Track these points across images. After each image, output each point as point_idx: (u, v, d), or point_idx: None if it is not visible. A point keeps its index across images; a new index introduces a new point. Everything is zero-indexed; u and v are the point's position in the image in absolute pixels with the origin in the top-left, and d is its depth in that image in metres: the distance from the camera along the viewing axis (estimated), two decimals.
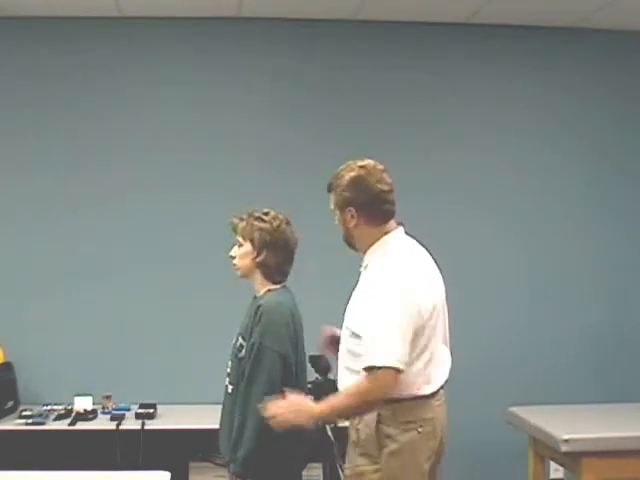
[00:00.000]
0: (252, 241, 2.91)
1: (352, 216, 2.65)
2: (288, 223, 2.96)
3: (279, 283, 2.95)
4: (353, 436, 2.62)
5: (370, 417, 2.54)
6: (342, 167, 2.73)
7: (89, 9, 4.26)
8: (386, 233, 2.66)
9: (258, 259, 2.90)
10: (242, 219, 2.95)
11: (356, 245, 2.72)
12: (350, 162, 2.73)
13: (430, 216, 4.43)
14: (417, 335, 2.51)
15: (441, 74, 4.57)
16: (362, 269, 2.70)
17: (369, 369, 2.46)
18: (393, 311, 2.47)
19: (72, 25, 4.36)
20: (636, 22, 4.49)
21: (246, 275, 2.97)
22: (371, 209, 2.64)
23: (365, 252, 2.69)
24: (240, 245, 2.94)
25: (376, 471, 2.54)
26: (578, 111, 4.63)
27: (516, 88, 4.60)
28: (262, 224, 2.91)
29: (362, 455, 2.58)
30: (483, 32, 4.54)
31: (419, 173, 4.45)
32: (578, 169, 4.63)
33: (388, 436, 2.53)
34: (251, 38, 4.45)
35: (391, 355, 2.44)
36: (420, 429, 2.54)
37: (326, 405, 2.57)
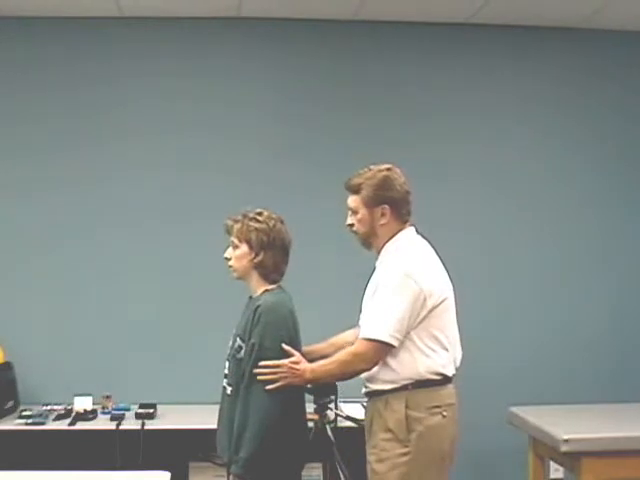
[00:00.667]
0: (248, 242, 2.90)
1: (383, 214, 2.82)
2: (282, 222, 2.96)
3: (275, 283, 2.95)
4: (378, 422, 2.75)
5: (397, 403, 2.70)
6: (365, 170, 2.88)
7: (89, 9, 4.26)
8: (401, 230, 2.85)
9: (256, 260, 2.89)
10: (236, 220, 2.94)
11: (374, 243, 2.88)
12: (372, 166, 2.89)
13: (431, 212, 4.41)
14: (428, 320, 2.71)
15: (441, 74, 4.57)
16: (378, 264, 2.87)
17: (363, 340, 2.71)
18: (394, 291, 2.68)
19: (72, 25, 4.36)
20: (636, 22, 4.49)
21: (242, 276, 2.96)
22: (401, 207, 2.84)
23: (380, 250, 2.86)
24: (236, 247, 2.93)
25: (404, 454, 2.68)
26: (578, 111, 4.63)
27: (516, 88, 4.60)
28: (258, 224, 2.90)
29: (389, 440, 2.70)
30: (483, 32, 4.54)
31: (418, 172, 4.44)
32: (579, 166, 4.62)
33: (415, 420, 2.68)
34: (251, 38, 4.45)
35: (384, 330, 2.67)
36: (445, 413, 2.71)
37: (318, 367, 2.77)
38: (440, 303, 2.75)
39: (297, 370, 2.74)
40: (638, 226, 4.65)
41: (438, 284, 2.78)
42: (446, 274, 2.88)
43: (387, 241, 2.84)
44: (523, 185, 4.59)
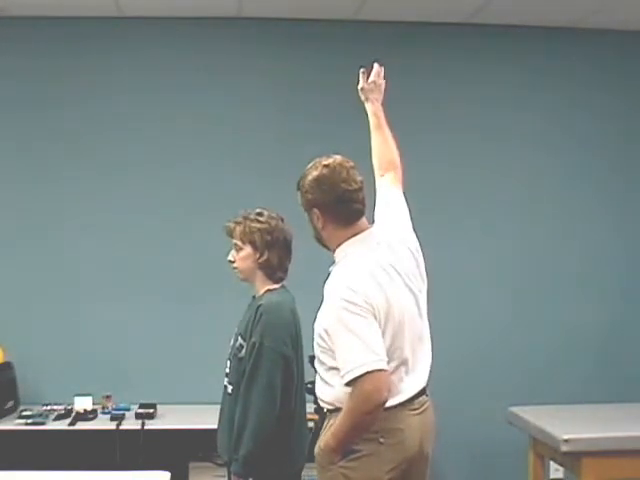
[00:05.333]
0: (252, 243, 2.90)
1: (317, 217, 2.52)
2: (282, 220, 2.97)
3: (280, 280, 2.96)
4: (319, 442, 2.46)
5: (328, 427, 2.42)
6: (309, 166, 2.61)
7: (89, 9, 4.26)
8: (355, 234, 2.51)
9: (261, 260, 2.90)
10: (238, 222, 2.95)
11: (328, 246, 2.59)
12: (317, 159, 2.60)
13: (426, 215, 4.41)
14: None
15: (441, 74, 4.57)
16: (331, 269, 2.56)
17: (352, 383, 2.29)
18: (347, 319, 2.33)
19: (72, 25, 4.36)
20: (636, 22, 4.49)
21: (248, 277, 2.97)
22: (336, 210, 2.50)
23: (335, 252, 2.56)
24: (239, 249, 2.93)
25: (332, 477, 2.42)
26: (578, 110, 4.63)
27: (516, 88, 4.60)
28: (260, 225, 2.91)
29: (317, 467, 2.47)
30: (483, 32, 4.54)
31: (418, 172, 4.45)
32: (579, 167, 4.62)
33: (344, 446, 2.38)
34: (251, 38, 4.46)
35: (366, 360, 2.28)
36: (382, 439, 2.37)
37: (333, 435, 2.39)
38: (391, 321, 2.39)
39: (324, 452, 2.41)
40: (634, 228, 4.65)
41: (387, 301, 2.39)
42: (399, 283, 2.47)
43: (340, 244, 2.52)
44: (523, 184, 4.59)
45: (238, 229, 2.93)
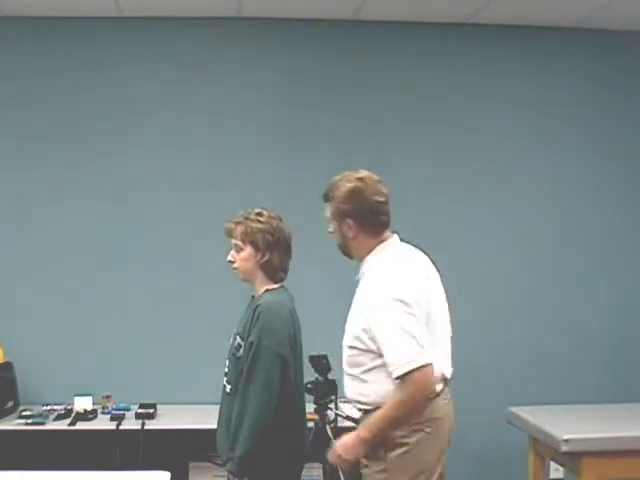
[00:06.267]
0: (253, 243, 2.90)
1: (349, 227, 2.70)
2: (281, 219, 2.97)
3: (281, 281, 2.96)
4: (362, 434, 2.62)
5: None
6: (338, 178, 2.77)
7: (89, 9, 4.26)
8: (381, 242, 2.71)
9: (262, 260, 2.90)
10: (238, 223, 2.94)
11: (353, 255, 2.78)
12: (347, 173, 2.76)
13: (431, 215, 4.44)
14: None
15: (441, 74, 4.57)
16: (359, 277, 2.74)
17: (403, 377, 2.48)
18: (394, 315, 2.52)
19: (72, 25, 4.36)
20: (636, 22, 4.49)
21: (248, 278, 2.96)
22: (368, 220, 2.69)
23: (361, 261, 2.74)
24: (240, 249, 2.93)
25: (382, 471, 2.58)
26: (578, 110, 4.63)
27: (516, 88, 4.60)
28: (260, 225, 2.90)
29: (369, 464, 2.61)
30: (483, 32, 4.54)
31: (418, 171, 4.46)
32: (579, 167, 4.62)
33: (393, 439, 2.55)
34: (251, 38, 4.45)
35: (416, 355, 2.48)
36: (428, 429, 2.56)
37: (370, 427, 2.56)
38: (425, 316, 2.59)
39: (347, 445, 2.60)
40: (635, 228, 4.65)
41: (422, 298, 2.59)
42: (435, 276, 2.74)
43: (367, 253, 2.71)
44: (523, 183, 4.58)
45: (239, 229, 2.93)
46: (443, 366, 2.66)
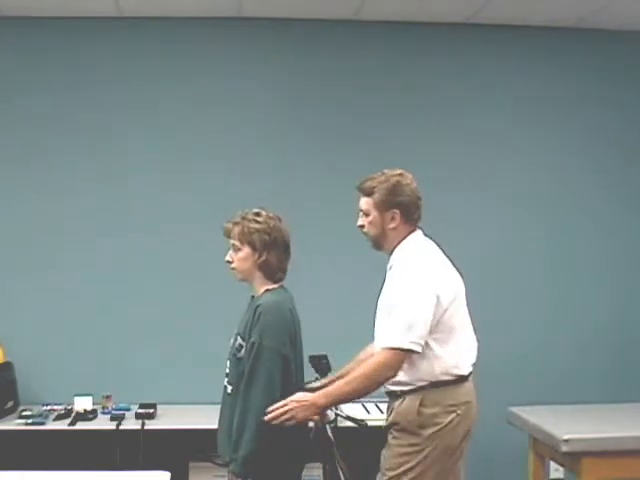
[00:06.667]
0: (251, 244, 2.90)
1: (393, 218, 2.88)
2: (280, 219, 2.96)
3: (280, 281, 2.96)
4: (391, 418, 2.84)
5: (412, 401, 2.78)
6: (378, 174, 2.92)
7: (89, 9, 4.26)
8: (411, 233, 2.92)
9: (260, 260, 2.90)
10: (236, 223, 2.93)
11: (385, 245, 2.93)
12: (386, 170, 2.93)
13: (438, 212, 4.42)
14: (443, 321, 2.79)
15: (441, 74, 4.57)
16: (388, 269, 2.91)
17: (385, 349, 2.73)
18: (410, 297, 2.73)
19: (72, 25, 4.35)
20: (636, 22, 4.49)
21: (246, 278, 2.96)
22: (411, 212, 2.90)
23: (391, 252, 2.92)
24: (238, 249, 2.92)
25: (414, 445, 2.77)
26: (579, 110, 4.63)
27: (516, 88, 4.60)
28: (258, 225, 2.90)
29: (399, 430, 2.80)
30: (483, 32, 4.54)
31: (419, 170, 4.45)
32: (579, 167, 4.62)
33: (429, 418, 2.77)
34: (251, 38, 4.45)
35: (405, 337, 2.71)
36: (459, 411, 2.80)
37: (332, 390, 2.79)
38: (453, 301, 2.83)
39: (305, 402, 2.74)
40: (639, 224, 4.65)
41: (449, 283, 2.86)
42: (455, 271, 2.95)
43: (397, 244, 2.90)
44: (524, 183, 4.58)
45: (236, 230, 2.92)
46: (473, 351, 2.95)
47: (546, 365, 4.50)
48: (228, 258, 2.96)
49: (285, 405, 2.71)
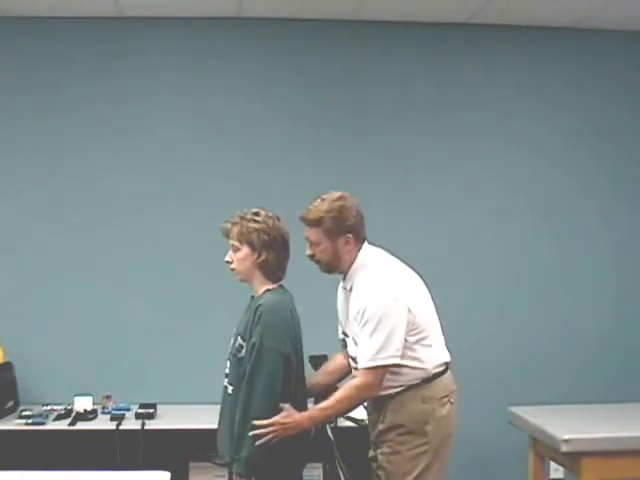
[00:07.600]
0: (250, 243, 2.90)
1: (347, 242, 2.93)
2: (278, 219, 2.97)
3: (279, 280, 2.96)
4: (392, 419, 2.88)
5: (412, 400, 2.86)
6: (319, 201, 2.94)
7: (89, 9, 4.26)
8: (359, 250, 2.96)
9: (259, 260, 2.90)
10: (234, 223, 2.94)
11: (339, 268, 2.99)
12: (323, 196, 2.95)
13: (431, 214, 4.44)
14: (417, 322, 2.85)
15: (442, 74, 4.56)
16: (346, 288, 2.99)
17: (365, 370, 2.80)
18: (383, 317, 2.78)
19: (72, 25, 4.35)
20: (636, 22, 4.49)
21: (246, 278, 2.96)
22: (360, 231, 2.96)
23: (346, 272, 2.97)
24: (237, 249, 2.92)
25: (423, 444, 2.85)
26: (579, 110, 4.63)
27: (516, 88, 4.60)
28: (256, 225, 2.90)
29: (405, 434, 2.86)
30: (483, 32, 4.54)
31: (419, 170, 4.46)
32: (580, 166, 4.62)
33: (429, 413, 2.86)
34: (251, 38, 4.45)
35: (383, 354, 2.78)
36: (452, 400, 2.92)
37: (317, 413, 2.87)
38: (419, 300, 2.91)
39: (290, 423, 2.76)
40: None
41: (411, 287, 2.94)
42: (408, 268, 3.00)
43: (352, 263, 2.95)
44: (524, 182, 4.58)
45: (235, 230, 2.92)
46: (445, 351, 3.00)
47: (546, 365, 4.50)
48: (227, 258, 2.96)
49: (271, 425, 2.73)
